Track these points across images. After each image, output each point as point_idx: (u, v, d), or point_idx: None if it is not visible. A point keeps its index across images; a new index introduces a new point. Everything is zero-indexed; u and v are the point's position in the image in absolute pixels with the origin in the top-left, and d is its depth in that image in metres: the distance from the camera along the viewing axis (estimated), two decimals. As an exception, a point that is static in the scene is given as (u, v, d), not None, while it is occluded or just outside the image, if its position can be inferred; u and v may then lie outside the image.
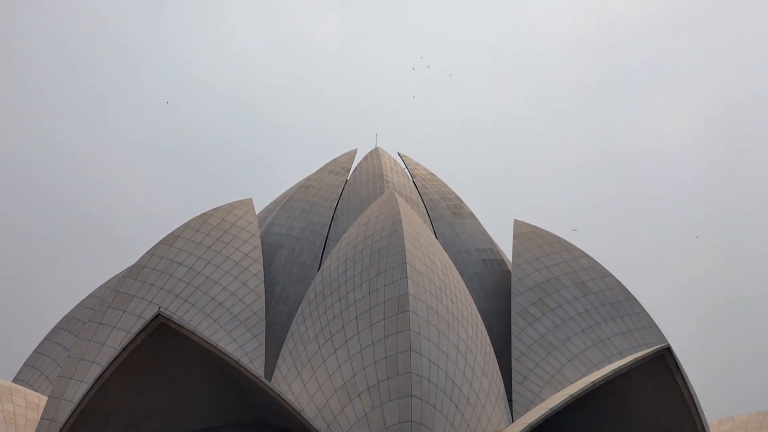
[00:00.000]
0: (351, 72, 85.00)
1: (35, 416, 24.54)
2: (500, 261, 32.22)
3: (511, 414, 23.98)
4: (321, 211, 32.68)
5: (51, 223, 71.51)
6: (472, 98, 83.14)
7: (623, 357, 25.34)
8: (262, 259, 28.08)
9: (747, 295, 65.64)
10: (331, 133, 78.83)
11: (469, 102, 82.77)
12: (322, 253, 30.91)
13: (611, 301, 28.58)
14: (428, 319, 21.85)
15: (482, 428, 21.52)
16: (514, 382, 25.59)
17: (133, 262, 27.08)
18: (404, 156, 37.84)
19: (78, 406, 20.02)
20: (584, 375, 25.52)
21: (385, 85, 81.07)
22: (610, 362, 25.60)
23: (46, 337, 31.54)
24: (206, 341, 20.29)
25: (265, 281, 27.39)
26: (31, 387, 28.60)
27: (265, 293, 27.05)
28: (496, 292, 30.58)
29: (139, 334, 19.98)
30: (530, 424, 20.26)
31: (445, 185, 35.78)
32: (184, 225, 28.49)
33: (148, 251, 27.15)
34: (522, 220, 31.96)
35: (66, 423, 19.94)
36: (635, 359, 21.71)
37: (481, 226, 33.44)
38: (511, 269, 30.25)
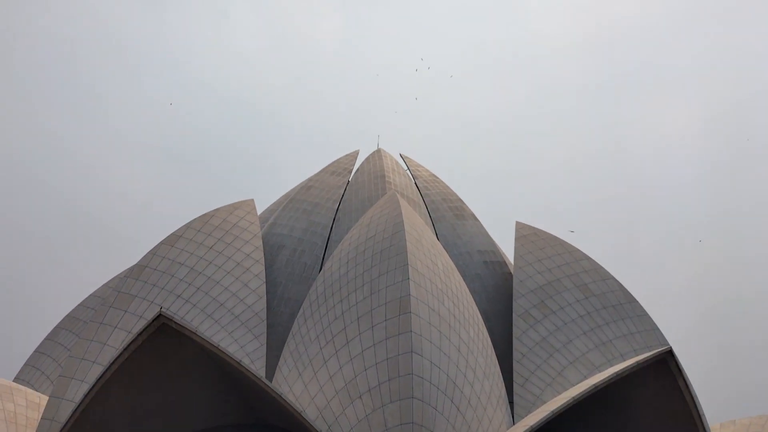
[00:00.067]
0: (352, 73, 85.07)
1: (36, 416, 24.52)
2: (502, 263, 32.20)
3: (512, 416, 23.95)
4: (323, 212, 32.67)
5: (52, 223, 71.59)
6: (473, 99, 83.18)
7: (625, 360, 25.29)
8: (263, 259, 28.07)
9: (749, 297, 65.60)
10: (333, 134, 78.88)
11: (469, 102, 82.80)
12: (324, 254, 30.90)
13: (613, 304, 28.54)
14: (430, 320, 21.84)
15: (483, 430, 21.49)
16: (515, 384, 25.55)
17: (134, 263, 27.09)
18: (406, 157, 37.85)
19: (79, 405, 20.00)
20: (586, 378, 25.47)
21: (386, 85, 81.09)
22: (612, 365, 25.55)
23: (47, 336, 31.53)
24: (207, 342, 20.28)
25: (266, 282, 27.38)
26: (32, 387, 28.59)
27: (267, 294, 27.04)
28: (497, 293, 30.56)
29: (140, 334, 19.97)
30: (531, 426, 20.23)
31: (447, 187, 35.77)
32: (185, 225, 28.49)
33: (150, 251, 27.15)
34: (523, 221, 31.95)
35: (67, 423, 19.92)
36: (637, 362, 21.68)
37: (483, 228, 33.43)
38: (512, 271, 30.22)
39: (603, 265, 29.83)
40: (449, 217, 33.34)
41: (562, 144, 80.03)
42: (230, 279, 26.98)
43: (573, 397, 21.13)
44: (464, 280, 26.21)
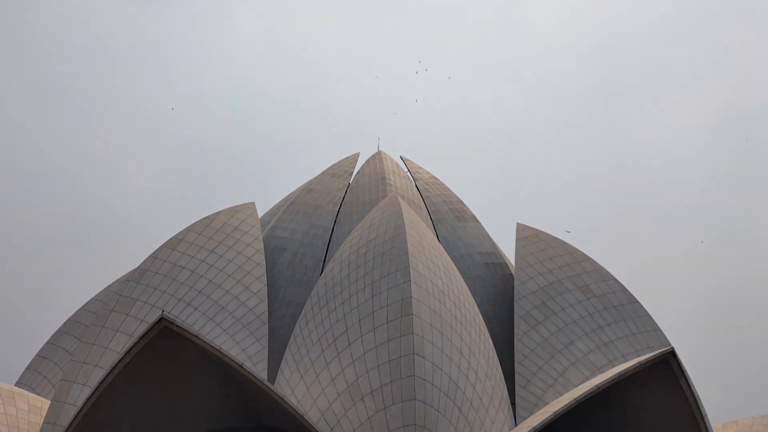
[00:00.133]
0: (352, 75, 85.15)
1: (38, 420, 24.52)
2: (503, 264, 32.19)
3: (514, 417, 23.94)
4: (324, 214, 32.68)
5: (53, 228, 71.65)
6: (473, 101, 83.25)
7: (627, 360, 25.26)
8: (264, 262, 28.07)
9: (750, 297, 65.54)
10: (334, 137, 78.91)
11: (470, 104, 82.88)
12: (325, 257, 30.89)
13: (614, 305, 28.54)
14: (431, 322, 21.84)
15: (485, 432, 21.49)
16: (517, 386, 25.54)
17: (136, 266, 27.10)
18: (406, 159, 37.87)
19: (81, 409, 20.02)
20: (587, 379, 25.45)
21: (386, 88, 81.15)
22: (614, 366, 25.54)
23: (48, 340, 31.50)
24: (209, 345, 20.29)
25: (267, 285, 27.37)
26: (34, 391, 28.57)
27: (268, 297, 27.03)
28: (498, 295, 30.54)
29: (142, 337, 19.99)
30: (533, 427, 20.22)
31: (448, 188, 35.78)
32: (186, 228, 28.50)
33: (151, 255, 27.16)
34: (524, 223, 31.95)
35: (69, 427, 19.94)
36: (639, 363, 21.67)
37: (484, 230, 33.42)
38: (513, 272, 30.22)
39: (604, 266, 29.84)
40: (450, 218, 33.35)
41: (564, 147, 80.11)
42: (232, 282, 26.98)
43: (575, 398, 21.13)
44: (465, 281, 26.21)
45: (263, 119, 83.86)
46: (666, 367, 21.66)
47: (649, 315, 28.45)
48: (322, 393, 21.68)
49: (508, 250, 33.12)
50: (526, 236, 30.89)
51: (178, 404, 21.30)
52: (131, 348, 20.00)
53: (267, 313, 26.27)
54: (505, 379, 23.88)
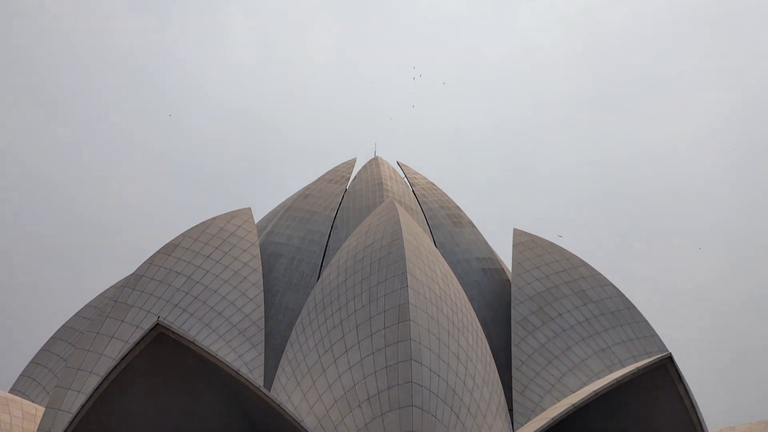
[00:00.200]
0: (348, 81, 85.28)
1: (32, 427, 24.34)
2: (500, 270, 32.17)
3: (512, 424, 23.85)
4: (320, 220, 32.62)
5: (48, 233, 71.35)
6: (469, 106, 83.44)
7: (624, 366, 25.26)
8: (261, 268, 27.97)
9: (749, 302, 65.66)
10: (330, 143, 78.97)
11: (466, 110, 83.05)
12: (322, 263, 30.82)
13: (611, 310, 28.53)
14: (429, 328, 21.76)
15: (483, 438, 21.38)
16: (514, 392, 25.48)
17: (131, 272, 26.96)
18: (403, 165, 37.87)
19: (75, 416, 19.84)
20: (585, 384, 25.41)
21: (383, 94, 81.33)
22: (611, 371, 25.52)
23: (43, 347, 31.32)
24: (205, 351, 20.16)
25: (264, 291, 27.28)
26: (28, 397, 28.39)
27: (265, 303, 26.93)
28: (496, 301, 30.51)
29: (137, 344, 19.84)
30: (532, 434, 20.15)
31: (444, 194, 35.78)
32: (182, 234, 28.39)
33: (147, 260, 27.04)
34: (521, 228, 31.96)
35: (63, 434, 19.75)
36: (637, 368, 21.65)
37: (481, 235, 33.42)
38: (510, 278, 30.19)
39: (600, 272, 29.85)
40: (447, 224, 33.33)
41: (560, 153, 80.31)
42: (228, 288, 26.87)
43: (573, 404, 21.08)
44: (462, 287, 26.15)
45: (259, 126, 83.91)
46: (664, 373, 21.64)
47: (646, 320, 28.46)
48: (319, 399, 21.56)
49: (505, 255, 33.16)
50: (523, 242, 30.89)
51: (174, 411, 21.14)
52: (126, 354, 19.85)
53: (263, 319, 26.16)
54: (503, 385, 23.79)
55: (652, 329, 28.25)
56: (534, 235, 31.46)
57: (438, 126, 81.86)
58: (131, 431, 20.84)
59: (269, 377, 24.31)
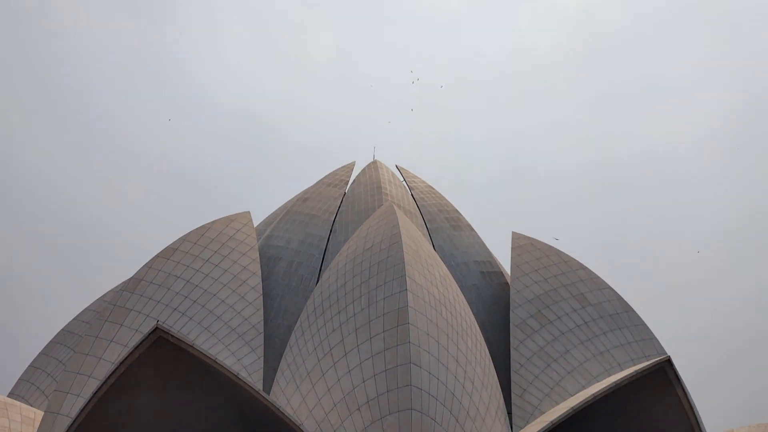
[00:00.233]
0: (348, 84, 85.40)
1: (31, 431, 24.28)
2: (498, 273, 32.20)
3: (511, 427, 23.86)
4: (319, 223, 32.64)
5: (48, 233, 71.30)
6: (469, 108, 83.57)
7: (622, 369, 25.28)
8: (260, 272, 27.98)
9: (748, 303, 65.72)
10: (329, 146, 79.06)
11: (465, 111, 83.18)
12: (321, 266, 30.83)
13: (610, 313, 28.56)
14: (428, 331, 21.78)
15: (482, 442, 21.39)
16: (513, 395, 25.48)
17: (130, 276, 26.94)
18: (402, 168, 37.93)
19: (75, 421, 19.83)
20: (584, 387, 25.43)
21: (382, 97, 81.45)
22: (610, 374, 25.54)
23: (41, 351, 31.27)
24: (205, 355, 20.16)
25: (263, 294, 27.27)
26: (27, 402, 28.33)
27: (264, 306, 26.92)
28: (494, 304, 30.53)
29: (137, 347, 19.85)
30: (531, 437, 20.17)
31: (443, 197, 35.83)
32: (181, 238, 28.39)
33: (146, 264, 27.04)
34: (519, 231, 32.01)
35: (63, 438, 19.73)
36: (636, 371, 21.69)
37: (479, 239, 33.46)
38: (509, 281, 30.23)
39: (599, 274, 29.90)
40: (446, 227, 33.37)
41: (558, 152, 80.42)
42: (227, 292, 26.87)
43: (572, 407, 21.12)
44: (461, 290, 26.19)
45: (259, 129, 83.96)
46: (662, 376, 21.68)
47: (644, 323, 28.49)
48: (318, 403, 21.56)
49: (504, 258, 33.20)
50: (522, 245, 30.93)
51: (173, 415, 21.13)
52: (126, 358, 19.85)
53: (262, 322, 26.16)
54: (502, 388, 23.81)
55: (651, 332, 28.27)
56: (532, 239, 31.50)
57: (438, 126, 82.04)
58: (130, 435, 20.83)
59: (268, 381, 24.31)
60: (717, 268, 68.54)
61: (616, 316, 28.46)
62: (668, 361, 21.71)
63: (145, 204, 75.48)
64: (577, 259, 30.63)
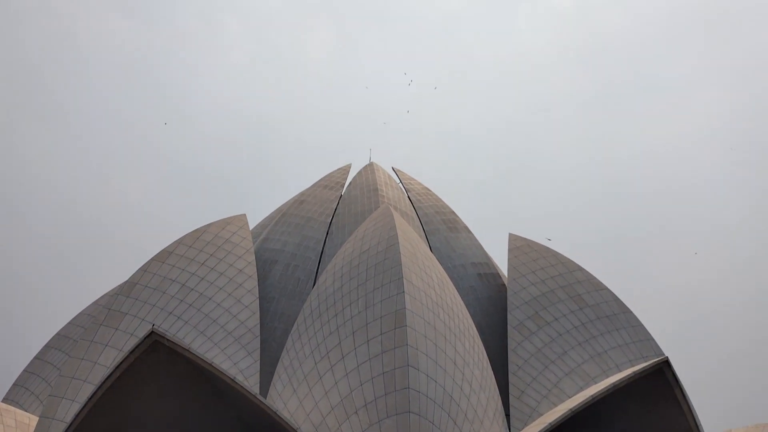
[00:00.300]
0: (344, 86, 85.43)
1: (25, 437, 24.10)
2: (496, 275, 32.16)
3: (509, 429, 23.80)
4: (316, 226, 32.55)
5: (40, 240, 71.03)
6: (467, 108, 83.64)
7: (620, 371, 25.24)
8: (256, 275, 27.87)
9: (748, 304, 65.85)
10: (325, 148, 79.01)
11: (463, 112, 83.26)
12: (317, 269, 30.74)
13: (607, 315, 28.54)
14: (425, 333, 21.71)
15: (481, 444, 21.31)
16: (511, 397, 25.42)
17: (125, 279, 26.79)
18: (398, 170, 37.87)
19: (70, 426, 19.68)
20: (582, 389, 25.38)
21: (380, 95, 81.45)
22: (608, 376, 25.50)
23: (36, 356, 31.10)
24: (201, 359, 20.04)
25: (259, 297, 27.16)
26: (21, 407, 28.14)
27: (260, 310, 26.81)
28: (492, 306, 30.48)
29: (132, 352, 19.72)
30: (529, 439, 20.10)
31: (440, 199, 35.79)
32: (177, 241, 28.27)
33: (140, 268, 26.91)
34: (516, 233, 31.98)
35: (57, 444, 19.59)
36: (635, 372, 21.65)
37: (476, 240, 33.42)
38: (506, 283, 30.19)
39: (597, 274, 29.89)
40: (443, 229, 33.32)
41: (558, 152, 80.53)
42: (223, 295, 26.75)
43: (570, 409, 21.07)
44: (458, 292, 26.12)
45: (255, 131, 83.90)
46: (660, 377, 21.64)
47: (642, 324, 28.48)
48: (316, 406, 21.45)
49: (501, 260, 33.16)
50: (519, 246, 30.90)
51: (169, 419, 20.99)
52: (121, 362, 19.72)
53: (259, 326, 26.05)
54: (500, 390, 23.75)
55: (648, 333, 28.27)
56: (529, 240, 31.49)
57: (434, 128, 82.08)
58: (126, 440, 20.68)
59: (265, 385, 24.18)
60: (716, 268, 68.71)
61: (614, 317, 28.45)
62: (666, 362, 21.67)
63: (144, 204, 75.41)
64: (574, 260, 30.64)
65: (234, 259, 28.13)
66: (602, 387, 21.85)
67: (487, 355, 24.40)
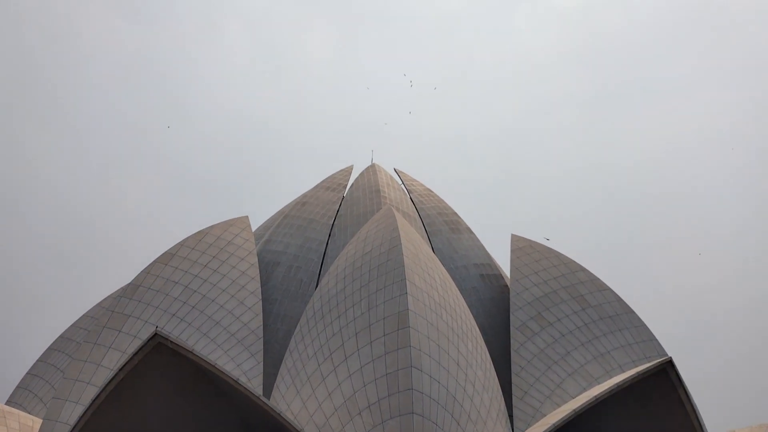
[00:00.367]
0: (346, 88, 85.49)
1: (29, 439, 24.14)
2: (498, 276, 32.14)
3: (512, 429, 23.78)
4: (318, 227, 32.57)
5: (43, 243, 71.13)
6: (468, 110, 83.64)
7: (623, 371, 25.22)
8: (259, 276, 27.89)
9: (750, 305, 65.74)
10: (327, 150, 79.07)
11: (464, 114, 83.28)
12: (320, 270, 30.74)
13: (610, 315, 28.51)
14: (428, 334, 21.70)
15: (484, 445, 21.30)
16: (514, 398, 25.40)
17: (128, 282, 26.83)
18: (400, 172, 37.88)
19: (74, 428, 19.71)
20: (585, 389, 25.35)
21: (379, 100, 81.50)
22: (611, 376, 25.48)
23: (39, 358, 31.14)
24: (204, 361, 20.06)
25: (262, 299, 27.18)
26: (25, 409, 28.17)
27: (263, 311, 26.83)
28: (494, 306, 30.47)
29: (135, 354, 19.74)
30: (533, 440, 20.09)
31: (442, 200, 35.79)
32: (179, 243, 28.30)
33: (143, 270, 26.95)
34: (518, 233, 31.96)
35: (61, 446, 19.61)
36: (638, 373, 21.62)
37: (479, 241, 33.41)
38: (509, 284, 30.17)
39: (600, 276, 29.86)
40: (445, 231, 33.31)
41: (557, 157, 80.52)
42: (226, 297, 26.77)
43: (573, 410, 21.04)
44: (461, 293, 26.11)
45: (256, 134, 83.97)
46: (664, 377, 21.60)
47: (645, 325, 28.43)
48: (319, 408, 21.45)
49: (503, 261, 33.14)
50: (521, 247, 30.88)
51: (173, 421, 21.00)
52: (125, 365, 19.74)
53: (262, 327, 26.06)
54: (502, 391, 23.74)
55: (651, 333, 28.22)
56: (532, 241, 31.46)
57: (436, 129, 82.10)
58: (130, 442, 20.69)
59: (268, 386, 24.19)
60: (719, 270, 68.61)
61: (617, 318, 28.41)
62: (670, 363, 21.63)
63: (145, 205, 75.53)
64: (576, 260, 30.62)
65: (237, 261, 28.14)
66: (605, 388, 21.83)
67: (490, 355, 24.38)
